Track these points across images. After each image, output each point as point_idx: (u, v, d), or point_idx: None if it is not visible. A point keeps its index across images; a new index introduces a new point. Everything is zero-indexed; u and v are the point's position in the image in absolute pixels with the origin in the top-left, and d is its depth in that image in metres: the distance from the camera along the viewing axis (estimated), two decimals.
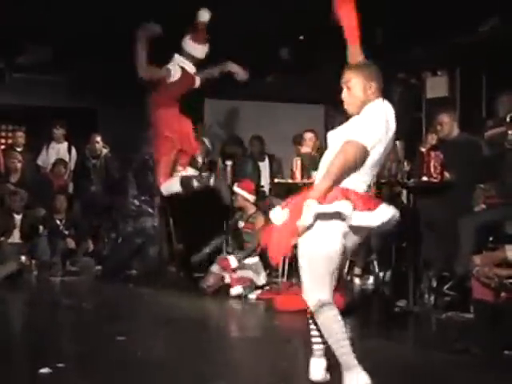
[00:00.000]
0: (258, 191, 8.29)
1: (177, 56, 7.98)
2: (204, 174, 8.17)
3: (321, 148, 7.74)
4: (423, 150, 7.19)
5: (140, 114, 9.86)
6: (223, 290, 7.36)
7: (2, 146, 11.49)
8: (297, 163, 7.49)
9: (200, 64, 8.11)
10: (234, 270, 7.37)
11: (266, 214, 7.97)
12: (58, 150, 10.29)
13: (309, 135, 8.54)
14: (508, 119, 7.17)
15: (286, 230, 3.79)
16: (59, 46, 10.43)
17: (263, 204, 8.36)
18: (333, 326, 3.70)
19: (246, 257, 7.55)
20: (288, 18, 9.09)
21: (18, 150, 9.92)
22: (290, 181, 7.60)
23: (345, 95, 3.91)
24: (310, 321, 3.94)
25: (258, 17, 9.05)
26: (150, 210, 8.83)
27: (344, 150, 3.69)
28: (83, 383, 3.96)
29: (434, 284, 6.63)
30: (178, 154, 7.99)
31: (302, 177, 7.43)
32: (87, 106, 11.85)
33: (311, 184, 3.96)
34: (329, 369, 3.94)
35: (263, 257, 7.83)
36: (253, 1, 8.77)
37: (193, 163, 8.34)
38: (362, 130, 3.72)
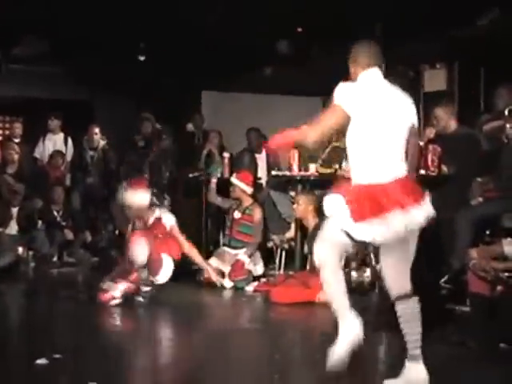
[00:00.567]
0: (255, 183, 8.28)
1: None
2: None
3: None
4: (421, 143, 7.17)
5: (136, 107, 9.89)
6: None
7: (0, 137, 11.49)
8: (294, 155, 7.48)
9: None
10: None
11: (262, 205, 8.00)
12: (55, 142, 10.27)
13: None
14: (506, 112, 7.17)
15: None
16: (56, 38, 10.41)
17: (260, 196, 8.37)
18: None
19: (253, 252, 7.59)
20: (286, 10, 9.07)
21: (16, 141, 9.90)
22: (287, 173, 7.59)
23: None
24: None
25: (256, 8, 9.04)
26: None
27: None
28: (79, 374, 3.96)
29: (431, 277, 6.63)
30: None
31: (300, 169, 7.42)
32: (84, 98, 11.84)
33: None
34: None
35: (261, 248, 7.87)
36: None
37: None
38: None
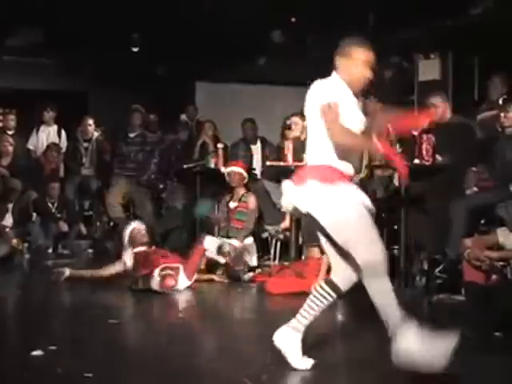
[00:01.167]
0: (249, 174, 8.29)
1: None
2: None
3: None
4: (415, 132, 7.18)
5: (130, 98, 9.86)
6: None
7: None
8: (289, 146, 7.47)
9: None
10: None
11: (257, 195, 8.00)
12: (49, 133, 10.26)
13: (294, 119, 8.49)
14: (500, 102, 7.18)
15: None
16: (50, 29, 10.37)
17: (255, 187, 8.37)
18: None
19: (246, 236, 7.59)
20: (280, 0, 9.06)
21: (9, 133, 9.88)
22: (281, 164, 7.59)
23: None
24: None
25: None
26: None
27: None
28: (75, 365, 3.96)
29: (426, 267, 6.65)
30: None
31: (294, 159, 7.41)
32: (78, 89, 11.81)
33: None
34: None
35: (256, 238, 7.88)
36: None
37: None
38: None
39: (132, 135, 9.51)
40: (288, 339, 3.90)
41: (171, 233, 9.00)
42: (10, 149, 9.54)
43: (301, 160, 7.41)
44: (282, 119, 8.84)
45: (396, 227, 6.96)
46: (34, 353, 4.14)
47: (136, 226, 6.93)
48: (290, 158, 7.37)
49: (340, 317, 5.48)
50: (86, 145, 10.02)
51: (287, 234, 7.77)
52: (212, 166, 8.57)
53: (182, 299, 6.36)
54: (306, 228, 6.74)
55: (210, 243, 6.95)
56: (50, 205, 9.28)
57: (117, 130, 9.85)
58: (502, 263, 5.58)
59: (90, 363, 4.00)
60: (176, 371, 3.95)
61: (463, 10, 8.70)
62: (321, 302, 3.87)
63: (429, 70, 9.79)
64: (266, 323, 5.31)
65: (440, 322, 5.15)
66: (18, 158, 9.63)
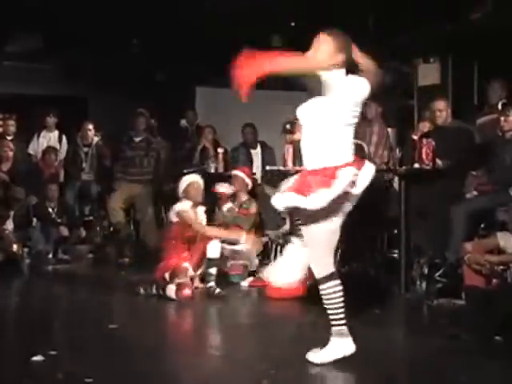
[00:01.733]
0: (253, 179, 8.30)
1: None
2: None
3: None
4: (415, 137, 7.19)
5: (130, 103, 9.85)
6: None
7: None
8: (288, 151, 7.48)
9: None
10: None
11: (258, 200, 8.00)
12: (49, 139, 10.26)
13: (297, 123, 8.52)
14: (500, 106, 7.19)
15: None
16: (49, 34, 10.39)
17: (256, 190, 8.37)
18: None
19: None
20: (279, 5, 9.07)
21: (9, 138, 9.88)
22: (281, 168, 7.59)
23: None
24: None
25: (249, 3, 9.03)
26: None
27: None
28: (76, 371, 3.96)
29: (426, 271, 6.65)
30: None
31: (294, 164, 7.41)
32: (77, 95, 11.82)
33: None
34: None
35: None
36: None
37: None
38: None
39: (137, 139, 9.49)
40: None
41: None
42: (10, 154, 9.53)
43: (301, 164, 7.42)
44: (281, 124, 8.87)
45: (396, 231, 6.96)
46: (35, 358, 4.14)
47: (195, 180, 6.90)
48: (290, 162, 7.38)
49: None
50: (85, 150, 10.01)
51: (288, 238, 7.75)
52: (212, 170, 8.57)
53: (184, 305, 6.35)
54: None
55: (213, 248, 6.88)
56: (50, 210, 9.27)
57: (117, 135, 9.84)
58: (502, 267, 5.57)
59: (91, 368, 4.01)
60: (177, 376, 3.96)
61: (463, 14, 8.72)
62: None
63: (429, 74, 9.80)
64: (265, 327, 5.32)
65: (440, 326, 5.17)
66: (18, 163, 9.62)
